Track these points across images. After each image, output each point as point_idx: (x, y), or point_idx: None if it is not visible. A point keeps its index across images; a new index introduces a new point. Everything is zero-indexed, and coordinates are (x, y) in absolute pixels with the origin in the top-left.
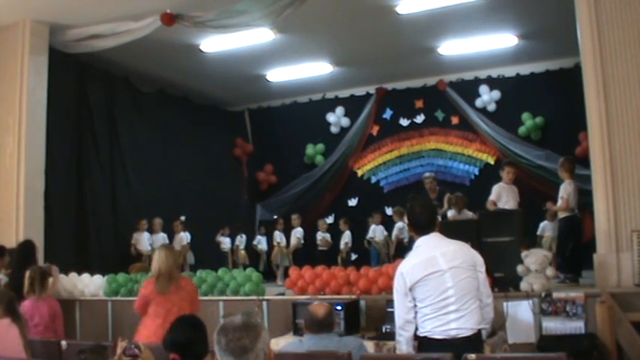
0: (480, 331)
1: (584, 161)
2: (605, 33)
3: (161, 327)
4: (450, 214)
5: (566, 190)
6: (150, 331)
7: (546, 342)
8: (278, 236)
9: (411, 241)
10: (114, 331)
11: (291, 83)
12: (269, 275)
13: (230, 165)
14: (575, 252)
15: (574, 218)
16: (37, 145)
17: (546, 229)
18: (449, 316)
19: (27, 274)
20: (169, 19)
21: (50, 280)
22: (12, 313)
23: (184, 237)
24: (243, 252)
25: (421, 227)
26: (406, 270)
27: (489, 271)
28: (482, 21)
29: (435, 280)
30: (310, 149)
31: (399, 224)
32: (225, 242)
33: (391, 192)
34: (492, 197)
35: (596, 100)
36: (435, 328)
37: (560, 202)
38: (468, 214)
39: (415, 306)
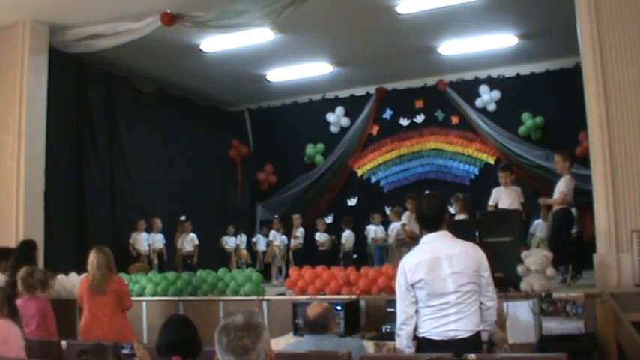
0: (479, 332)
1: (584, 161)
2: (605, 33)
3: (89, 322)
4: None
5: (567, 185)
6: (83, 325)
7: (546, 342)
8: (272, 235)
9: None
10: None
11: (291, 83)
12: (267, 275)
13: (230, 165)
14: (566, 244)
15: (570, 211)
16: (37, 145)
17: (538, 228)
18: (448, 318)
19: (19, 273)
20: (169, 19)
21: (52, 280)
22: (13, 312)
23: (194, 237)
24: (245, 251)
25: (427, 222)
26: (409, 267)
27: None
28: (483, 21)
29: (436, 284)
30: (310, 149)
31: (396, 224)
32: (229, 242)
33: (391, 192)
34: (490, 202)
35: (596, 100)
36: (433, 328)
37: (557, 196)
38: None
39: (416, 302)
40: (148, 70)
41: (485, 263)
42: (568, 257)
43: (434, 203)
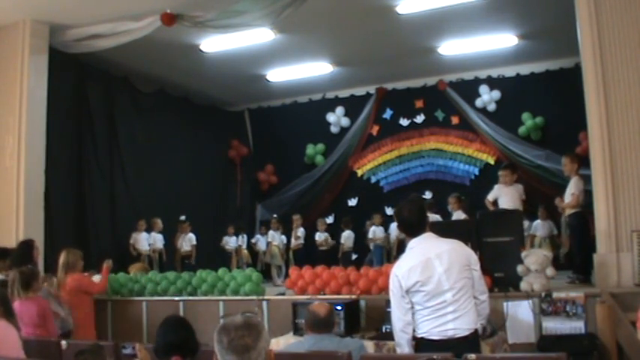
0: (476, 330)
1: (585, 161)
2: (605, 33)
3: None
4: (458, 216)
5: (577, 186)
6: None
7: (546, 342)
8: (270, 236)
9: None
10: (115, 331)
11: (291, 83)
12: (269, 275)
13: (230, 165)
14: (585, 250)
15: (584, 214)
16: (37, 145)
17: (538, 228)
18: (446, 317)
19: (12, 274)
20: (169, 19)
21: (40, 280)
22: (8, 313)
23: (193, 237)
24: (246, 251)
25: (411, 228)
26: (401, 273)
27: (489, 271)
28: (483, 21)
29: (432, 284)
30: (310, 149)
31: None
32: (230, 242)
33: (391, 192)
34: (488, 196)
35: (596, 100)
36: (432, 329)
37: (570, 198)
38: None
39: (412, 307)
40: (147, 70)
41: (475, 257)
42: (586, 266)
43: (414, 208)
